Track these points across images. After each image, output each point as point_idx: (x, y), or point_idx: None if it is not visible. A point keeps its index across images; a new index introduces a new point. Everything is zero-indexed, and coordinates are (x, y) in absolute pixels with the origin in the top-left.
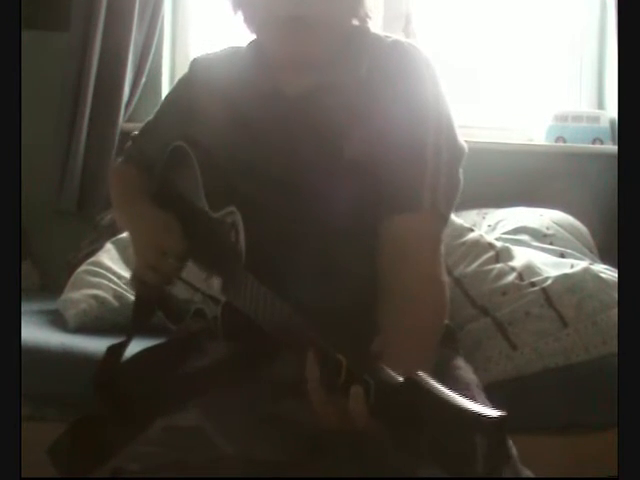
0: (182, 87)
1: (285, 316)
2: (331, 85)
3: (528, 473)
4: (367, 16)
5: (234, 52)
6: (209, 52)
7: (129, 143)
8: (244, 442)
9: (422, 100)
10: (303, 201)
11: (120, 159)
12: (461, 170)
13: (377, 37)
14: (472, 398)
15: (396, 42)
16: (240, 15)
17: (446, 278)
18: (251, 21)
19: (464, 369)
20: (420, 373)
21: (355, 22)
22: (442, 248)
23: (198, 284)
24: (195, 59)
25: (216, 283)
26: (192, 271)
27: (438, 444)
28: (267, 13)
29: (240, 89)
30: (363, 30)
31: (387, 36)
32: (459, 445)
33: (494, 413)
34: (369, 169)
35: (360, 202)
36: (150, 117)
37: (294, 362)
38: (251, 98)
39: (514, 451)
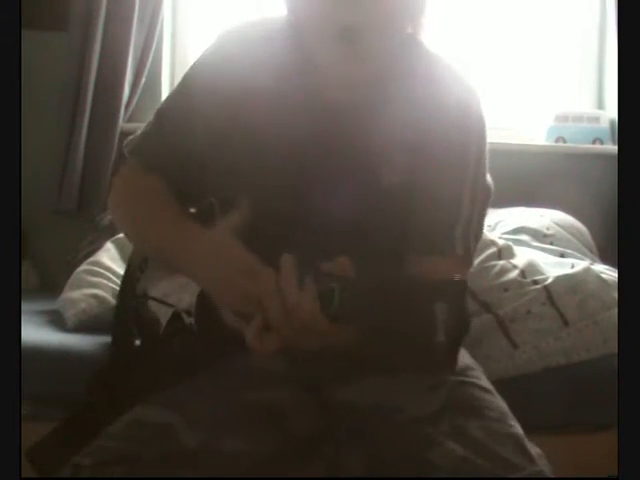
0: (212, 70)
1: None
2: (380, 102)
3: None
4: (422, 25)
5: (273, 38)
6: (242, 29)
7: (153, 122)
8: (213, 434)
9: (467, 139)
10: (325, 212)
11: (127, 161)
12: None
13: (430, 55)
14: (470, 384)
15: (449, 67)
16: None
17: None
18: (302, 31)
19: (460, 353)
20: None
21: (410, 30)
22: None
23: (170, 300)
24: (226, 35)
25: (187, 298)
26: (162, 288)
27: (403, 324)
28: (321, 24)
29: (278, 86)
30: (417, 43)
31: (438, 56)
32: (420, 318)
33: (452, 278)
34: (403, 197)
35: (388, 225)
36: (171, 97)
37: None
38: (290, 100)
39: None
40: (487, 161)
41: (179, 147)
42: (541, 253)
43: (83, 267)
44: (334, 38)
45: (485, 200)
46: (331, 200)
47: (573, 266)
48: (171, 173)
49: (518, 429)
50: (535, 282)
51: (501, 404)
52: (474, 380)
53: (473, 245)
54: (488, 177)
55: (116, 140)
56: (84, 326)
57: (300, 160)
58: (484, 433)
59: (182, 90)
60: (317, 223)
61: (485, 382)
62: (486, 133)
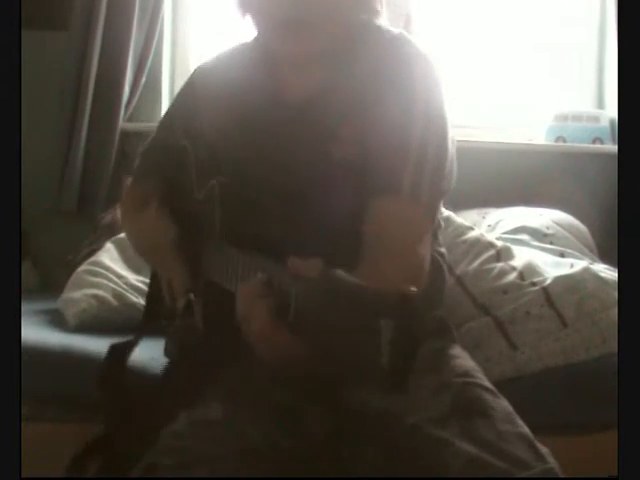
0: (183, 97)
1: (253, 264)
2: (331, 88)
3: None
4: (376, 11)
5: (239, 51)
6: (213, 57)
7: (138, 161)
8: (268, 429)
9: (411, 93)
10: (295, 201)
11: (130, 179)
12: (455, 169)
13: (379, 31)
14: (474, 385)
15: (395, 37)
16: (248, 18)
17: (426, 268)
18: (257, 24)
19: (462, 357)
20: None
21: (363, 16)
22: (428, 238)
23: None
24: (198, 67)
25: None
26: None
27: (347, 341)
28: (270, 16)
29: (243, 92)
30: (367, 24)
31: (389, 31)
32: (365, 335)
33: (402, 293)
34: (360, 167)
35: (353, 200)
36: (154, 133)
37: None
38: (253, 102)
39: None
40: (443, 121)
41: (169, 154)
42: (541, 253)
43: (84, 267)
44: (283, 30)
45: (441, 156)
46: (291, 176)
47: (572, 266)
48: (166, 173)
49: (526, 428)
50: (534, 284)
51: (506, 404)
52: (478, 381)
53: (427, 191)
54: (448, 142)
55: (116, 140)
56: (85, 326)
57: (263, 148)
58: (494, 432)
59: (167, 117)
60: (279, 197)
61: (488, 383)
62: (436, 91)
